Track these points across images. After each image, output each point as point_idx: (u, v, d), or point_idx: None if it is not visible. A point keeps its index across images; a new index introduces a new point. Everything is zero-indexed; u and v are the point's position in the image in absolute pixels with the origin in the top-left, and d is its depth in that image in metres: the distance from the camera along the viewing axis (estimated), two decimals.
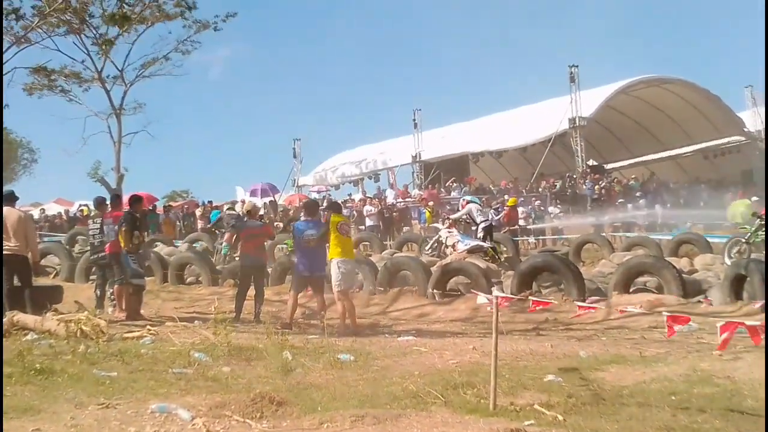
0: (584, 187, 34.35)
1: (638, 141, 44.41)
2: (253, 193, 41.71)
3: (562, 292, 13.52)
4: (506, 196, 32.01)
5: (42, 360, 7.85)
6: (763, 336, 5.58)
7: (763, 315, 10.02)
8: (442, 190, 38.16)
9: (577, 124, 37.16)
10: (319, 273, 12.38)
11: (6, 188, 13.32)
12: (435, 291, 14.49)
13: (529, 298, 9.35)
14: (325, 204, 32.98)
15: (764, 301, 11.89)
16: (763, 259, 13.32)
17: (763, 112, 37.65)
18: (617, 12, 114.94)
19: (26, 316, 11.06)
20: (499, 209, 27.91)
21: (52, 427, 5.52)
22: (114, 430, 5.53)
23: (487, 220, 20.84)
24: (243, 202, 35.55)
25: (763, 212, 16.95)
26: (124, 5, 12.71)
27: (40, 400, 6.29)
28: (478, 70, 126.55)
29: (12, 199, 12.70)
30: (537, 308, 7.80)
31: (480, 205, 22.03)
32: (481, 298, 7.12)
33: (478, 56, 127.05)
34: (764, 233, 16.32)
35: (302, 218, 13.30)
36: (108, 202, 14.60)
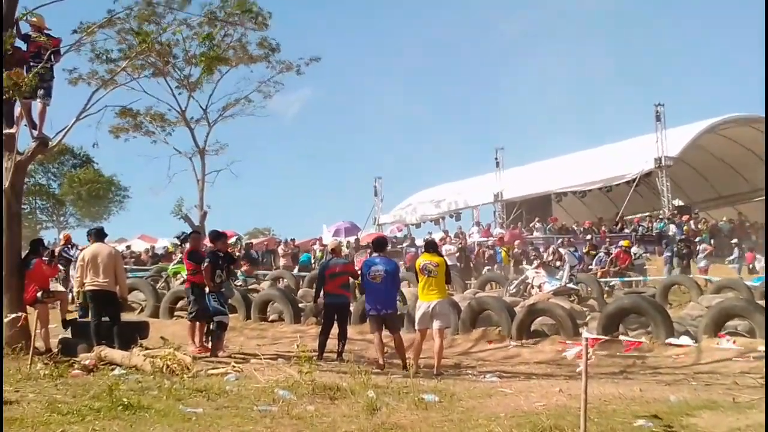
0: (672, 227, 33.70)
1: (726, 181, 43.41)
2: (336, 233, 41.95)
3: (650, 335, 13.22)
4: (589, 237, 31.86)
5: (129, 395, 7.96)
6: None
7: None
8: (524, 230, 37.84)
9: (663, 164, 36.59)
10: (387, 311, 12.21)
11: (96, 224, 13.66)
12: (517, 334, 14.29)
13: (621, 338, 9.15)
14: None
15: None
16: None
17: None
18: (704, 49, 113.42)
19: (113, 351, 11.30)
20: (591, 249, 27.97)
21: None
22: None
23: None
24: (320, 240, 35.84)
25: None
26: (214, 47, 12.95)
27: None
28: (560, 108, 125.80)
29: (102, 235, 13.00)
30: (632, 348, 7.53)
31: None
32: (571, 350, 6.94)
33: (560, 94, 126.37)
34: None
35: (372, 255, 13.27)
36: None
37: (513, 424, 6.88)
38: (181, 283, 18.76)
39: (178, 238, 25.52)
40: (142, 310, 19.12)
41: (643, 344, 10.63)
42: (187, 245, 15.32)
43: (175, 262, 22.41)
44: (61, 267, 19.53)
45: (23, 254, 13.13)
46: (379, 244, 13.38)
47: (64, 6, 11.83)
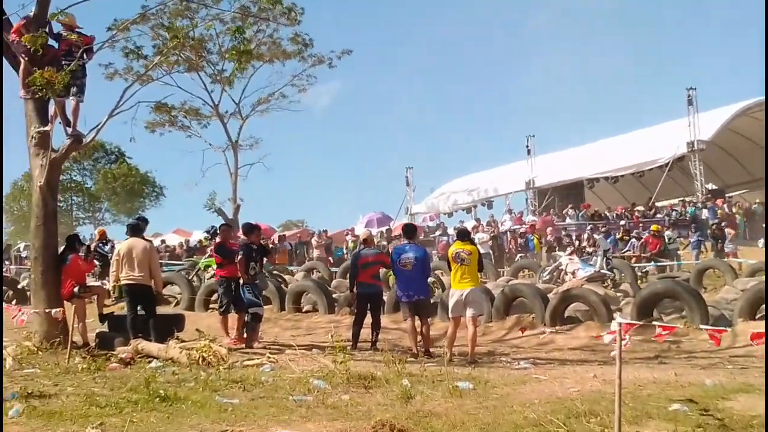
0: (704, 212, 33.38)
1: (760, 163, 42.78)
2: (369, 224, 42.04)
3: (685, 319, 13.14)
4: (622, 222, 31.66)
5: (166, 387, 8.04)
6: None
7: None
8: (555, 216, 37.65)
9: (696, 148, 36.25)
10: (419, 297, 12.30)
11: (135, 217, 13.75)
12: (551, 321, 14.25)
13: (654, 323, 9.11)
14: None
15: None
16: None
17: None
18: (736, 32, 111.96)
19: (150, 344, 11.41)
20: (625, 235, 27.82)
21: None
22: None
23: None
24: (352, 231, 35.94)
25: None
26: (244, 41, 12.96)
27: (166, 427, 6.43)
28: (591, 94, 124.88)
29: (137, 230, 13.09)
30: (664, 334, 7.46)
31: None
32: (607, 337, 6.92)
33: (591, 80, 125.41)
34: None
35: (402, 242, 13.28)
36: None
37: (548, 410, 6.87)
38: (211, 277, 18.89)
39: (208, 232, 25.69)
40: (177, 303, 19.19)
41: (678, 329, 10.52)
42: (217, 239, 15.44)
43: (207, 255, 22.58)
44: (96, 262, 19.74)
45: (60, 250, 13.25)
46: (409, 230, 13.40)
47: (98, 4, 11.92)
